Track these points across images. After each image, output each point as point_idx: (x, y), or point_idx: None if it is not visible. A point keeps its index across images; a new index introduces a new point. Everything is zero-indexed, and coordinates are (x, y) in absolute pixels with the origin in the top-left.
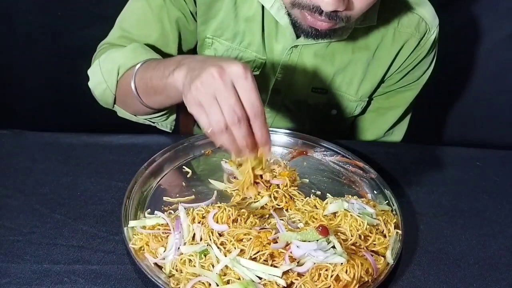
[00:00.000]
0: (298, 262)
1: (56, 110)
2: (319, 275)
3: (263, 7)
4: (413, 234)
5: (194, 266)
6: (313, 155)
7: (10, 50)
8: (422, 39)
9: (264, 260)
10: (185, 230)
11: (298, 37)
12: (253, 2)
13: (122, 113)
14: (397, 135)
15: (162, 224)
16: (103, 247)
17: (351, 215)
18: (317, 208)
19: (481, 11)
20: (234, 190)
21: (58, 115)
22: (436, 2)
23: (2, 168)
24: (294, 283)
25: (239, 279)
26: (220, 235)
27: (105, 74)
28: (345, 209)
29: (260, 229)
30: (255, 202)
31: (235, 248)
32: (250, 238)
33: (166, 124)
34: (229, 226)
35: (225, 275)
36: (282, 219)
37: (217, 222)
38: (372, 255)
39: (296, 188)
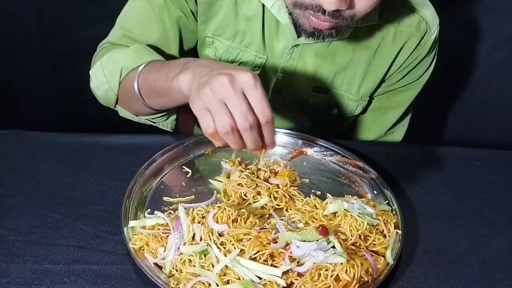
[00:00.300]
0: (298, 262)
1: (56, 110)
2: (319, 275)
3: (263, 6)
4: (413, 234)
5: (194, 266)
6: (313, 155)
7: (10, 50)
8: (422, 39)
9: (264, 260)
10: (185, 230)
11: (299, 36)
12: (253, 1)
13: (123, 113)
14: (398, 134)
15: (162, 224)
16: (103, 247)
17: (351, 215)
18: (317, 208)
19: (481, 11)
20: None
21: (58, 115)
22: (436, 2)
23: (2, 168)
24: (294, 283)
25: (239, 279)
26: (220, 235)
27: (107, 75)
28: (345, 209)
29: (260, 229)
30: (255, 202)
31: (235, 248)
32: (250, 238)
33: (167, 124)
34: (229, 226)
35: (225, 275)
36: (282, 219)
37: (217, 222)
38: (372, 255)
39: (296, 188)
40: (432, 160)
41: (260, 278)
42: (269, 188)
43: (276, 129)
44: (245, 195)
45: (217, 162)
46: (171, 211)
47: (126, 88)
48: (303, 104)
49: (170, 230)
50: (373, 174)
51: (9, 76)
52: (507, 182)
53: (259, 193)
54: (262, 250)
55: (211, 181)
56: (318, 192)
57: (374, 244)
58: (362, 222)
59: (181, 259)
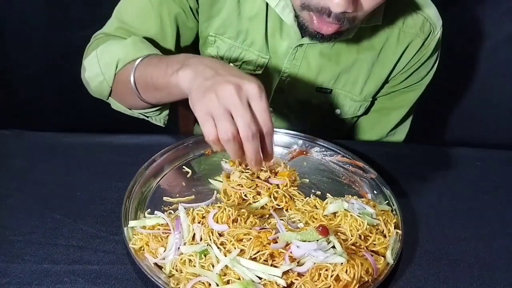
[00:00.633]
0: (298, 262)
1: (56, 110)
2: (319, 275)
3: (267, 5)
4: (413, 234)
5: (194, 266)
6: (313, 155)
7: (10, 50)
8: (426, 40)
9: (264, 260)
10: (185, 230)
11: (303, 36)
12: (257, 0)
13: (116, 105)
14: (400, 135)
15: (162, 224)
16: (103, 247)
17: (351, 215)
18: (317, 208)
19: (482, 12)
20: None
21: (58, 115)
22: (437, 2)
23: (2, 168)
24: (294, 283)
25: (239, 279)
26: (220, 235)
27: (102, 67)
28: (345, 209)
29: (260, 229)
30: (255, 202)
31: (235, 248)
32: (250, 238)
33: (159, 118)
34: (229, 226)
35: (225, 275)
36: (282, 219)
37: (217, 222)
38: (372, 255)
39: (296, 188)
40: (432, 160)
41: (260, 278)
42: (269, 188)
43: (276, 129)
44: (245, 195)
45: (217, 162)
46: (171, 211)
47: (121, 80)
48: (305, 104)
49: (170, 230)
50: (373, 174)
51: (9, 76)
52: (507, 182)
53: (259, 193)
54: (262, 250)
55: (211, 181)
56: (318, 192)
57: (374, 244)
58: (362, 222)
59: (181, 259)
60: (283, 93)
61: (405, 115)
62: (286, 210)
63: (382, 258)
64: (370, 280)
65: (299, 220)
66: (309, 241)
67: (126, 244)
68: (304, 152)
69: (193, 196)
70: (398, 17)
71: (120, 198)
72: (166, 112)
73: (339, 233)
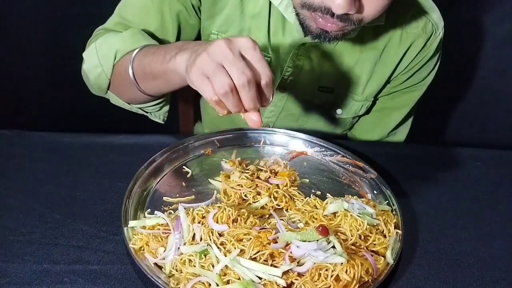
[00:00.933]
0: (298, 262)
1: (56, 110)
2: (319, 275)
3: (270, 3)
4: (413, 234)
5: (194, 266)
6: (313, 155)
7: (10, 50)
8: (428, 40)
9: (264, 260)
10: (185, 230)
11: (306, 35)
12: None
13: (115, 100)
14: (401, 135)
15: (162, 224)
16: (103, 247)
17: (351, 215)
18: (317, 208)
19: (482, 12)
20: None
21: (58, 115)
22: (437, 2)
23: (2, 168)
24: (294, 283)
25: (239, 279)
26: (220, 235)
27: (101, 58)
28: (345, 209)
29: (260, 229)
30: (255, 202)
31: (235, 248)
32: (250, 238)
33: (159, 115)
34: (229, 226)
35: (225, 275)
36: (282, 219)
37: (217, 222)
38: (372, 255)
39: (296, 188)
40: (432, 160)
41: (260, 278)
42: (269, 188)
43: (276, 129)
44: (245, 195)
45: (217, 162)
46: (171, 211)
47: (119, 72)
48: (307, 103)
49: (170, 230)
50: (373, 174)
51: (9, 76)
52: (507, 182)
53: (259, 193)
54: (262, 250)
55: (211, 181)
56: (318, 192)
57: (374, 244)
58: (362, 222)
59: (181, 259)
60: (285, 92)
61: (406, 115)
62: (286, 210)
63: (382, 258)
64: (370, 280)
65: (299, 220)
66: (309, 241)
67: (126, 244)
68: (304, 152)
69: (193, 196)
70: (400, 18)
71: (120, 198)
72: (166, 108)
73: (339, 233)
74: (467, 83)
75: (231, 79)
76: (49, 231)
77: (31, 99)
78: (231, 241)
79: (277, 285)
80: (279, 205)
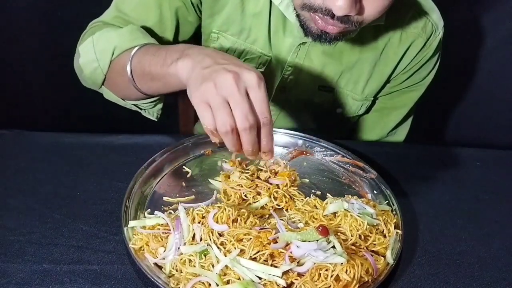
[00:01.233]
0: (298, 262)
1: (56, 110)
2: (319, 275)
3: (270, 3)
4: (413, 234)
5: (194, 266)
6: (313, 155)
7: (10, 50)
8: (428, 40)
9: (264, 260)
10: (185, 230)
11: (306, 36)
12: None
13: (109, 95)
14: (400, 135)
15: (162, 224)
16: (103, 247)
17: (351, 215)
18: (317, 208)
19: (481, 12)
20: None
21: (58, 115)
22: (437, 2)
23: (2, 168)
24: (294, 283)
25: (239, 279)
26: (220, 235)
27: (98, 53)
28: (345, 209)
29: (260, 229)
30: (255, 202)
31: (235, 248)
32: (250, 238)
33: (152, 112)
34: (229, 226)
35: (225, 275)
36: (282, 219)
37: (217, 222)
38: (372, 255)
39: (296, 188)
40: (432, 160)
41: (260, 278)
42: (269, 188)
43: (276, 129)
44: (245, 195)
45: (217, 162)
46: (171, 211)
47: (116, 68)
48: (307, 102)
49: (170, 230)
50: (373, 174)
51: (9, 76)
52: (507, 182)
53: (259, 193)
54: (262, 250)
55: (211, 181)
56: (318, 192)
57: (374, 244)
58: (362, 222)
59: (181, 259)
60: (285, 91)
61: (406, 115)
62: (286, 210)
63: (382, 258)
64: (370, 280)
65: (299, 220)
66: (309, 241)
67: (126, 244)
68: (304, 152)
69: (193, 196)
70: (400, 18)
71: (120, 198)
72: (160, 105)
73: (339, 233)
74: (467, 83)
75: (234, 118)
76: (49, 231)
77: (31, 99)
78: (231, 241)
79: (277, 285)
80: (279, 205)
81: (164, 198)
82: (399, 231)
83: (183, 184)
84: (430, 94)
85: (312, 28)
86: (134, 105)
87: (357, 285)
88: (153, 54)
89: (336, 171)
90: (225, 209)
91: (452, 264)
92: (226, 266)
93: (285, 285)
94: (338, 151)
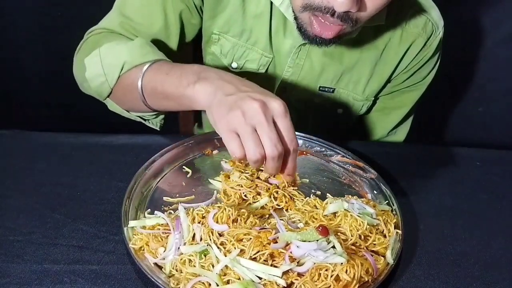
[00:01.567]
0: (298, 262)
1: (56, 110)
2: (319, 275)
3: (271, 4)
4: (413, 234)
5: (194, 266)
6: (313, 155)
7: (10, 50)
8: (428, 40)
9: (264, 260)
10: (185, 230)
11: (303, 39)
12: None
13: (113, 107)
14: (400, 135)
15: (162, 224)
16: (103, 247)
17: (351, 215)
18: (317, 208)
19: (482, 11)
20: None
21: (58, 115)
22: (437, 2)
23: (2, 168)
24: (294, 283)
25: (239, 279)
26: (220, 235)
27: (106, 68)
28: (345, 209)
29: (260, 229)
30: (255, 202)
31: (235, 248)
32: (250, 238)
33: (155, 122)
34: (229, 226)
35: (225, 275)
36: (282, 219)
37: (217, 222)
38: (372, 255)
39: (296, 188)
40: (432, 160)
41: (260, 278)
42: (269, 188)
43: None
44: (245, 195)
45: (217, 162)
46: (171, 211)
47: (125, 84)
48: (308, 103)
49: (170, 230)
50: (373, 174)
51: (9, 76)
52: (507, 182)
53: (259, 193)
54: (262, 250)
55: (211, 181)
56: (318, 192)
57: (374, 244)
58: (362, 222)
59: (181, 259)
60: (286, 92)
61: (406, 115)
62: (286, 210)
63: (382, 258)
64: (370, 280)
65: (299, 220)
66: (309, 241)
67: (126, 244)
68: (304, 152)
69: (193, 196)
70: (401, 17)
71: (120, 198)
72: (162, 116)
73: (339, 233)
74: (467, 83)
75: (263, 147)
76: (49, 231)
77: (31, 99)
78: (231, 241)
79: (277, 285)
80: (279, 205)
81: (164, 198)
82: (399, 231)
83: (183, 184)
84: (430, 94)
85: (309, 32)
86: (138, 116)
87: (357, 285)
88: (167, 74)
89: (336, 171)
90: (225, 209)
91: (452, 264)
92: (226, 266)
93: (285, 285)
94: (338, 151)
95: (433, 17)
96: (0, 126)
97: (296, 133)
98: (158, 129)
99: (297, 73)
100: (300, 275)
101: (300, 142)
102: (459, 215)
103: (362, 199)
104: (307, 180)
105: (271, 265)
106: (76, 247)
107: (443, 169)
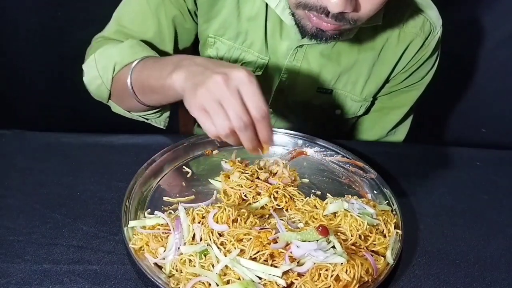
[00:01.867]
0: (298, 262)
1: (56, 110)
2: (319, 275)
3: (266, 6)
4: (413, 234)
5: (194, 266)
6: (313, 155)
7: (10, 50)
8: (426, 39)
9: (264, 260)
10: (185, 230)
11: (303, 36)
12: (256, 1)
13: (116, 109)
14: (400, 135)
15: (162, 224)
16: (103, 247)
17: (351, 215)
18: (317, 208)
19: (482, 11)
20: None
21: (59, 115)
22: (437, 2)
23: (2, 168)
24: (294, 283)
25: (239, 279)
26: (220, 235)
27: (100, 70)
28: (345, 209)
29: (260, 229)
30: (255, 202)
31: (235, 248)
32: (250, 238)
33: (160, 121)
34: (229, 226)
35: (225, 275)
36: (282, 219)
37: (217, 222)
38: (372, 255)
39: (296, 188)
40: (432, 160)
41: (260, 278)
42: (269, 188)
43: (276, 129)
44: (245, 195)
45: (217, 162)
46: (171, 211)
47: (119, 83)
48: (306, 105)
49: (170, 230)
50: (373, 174)
51: (9, 77)
52: (507, 182)
53: (259, 193)
54: (262, 250)
55: (211, 181)
56: (318, 192)
57: (374, 244)
58: (362, 222)
59: (181, 259)
60: (284, 93)
61: (405, 115)
62: (286, 210)
63: (382, 258)
64: (370, 280)
65: (299, 220)
66: (309, 241)
67: (126, 244)
68: (304, 152)
69: (193, 196)
70: (398, 17)
71: (120, 198)
72: (166, 114)
73: (339, 233)
74: (467, 83)
75: (231, 120)
76: (49, 231)
77: (31, 99)
78: (231, 241)
79: (277, 285)
80: (279, 205)
81: (164, 198)
82: (399, 231)
83: (183, 184)
84: (430, 93)
85: (307, 26)
86: (140, 116)
87: (357, 285)
88: (150, 68)
89: (336, 171)
90: (225, 209)
91: (452, 264)
92: (226, 266)
93: (285, 285)
94: (338, 151)
95: (431, 17)
96: (0, 126)
97: (296, 133)
98: (164, 128)
99: (294, 75)
100: (300, 275)
101: (300, 142)
102: (459, 215)
103: (362, 199)
104: (307, 180)
105: (271, 265)
106: (76, 247)
107: (443, 169)
